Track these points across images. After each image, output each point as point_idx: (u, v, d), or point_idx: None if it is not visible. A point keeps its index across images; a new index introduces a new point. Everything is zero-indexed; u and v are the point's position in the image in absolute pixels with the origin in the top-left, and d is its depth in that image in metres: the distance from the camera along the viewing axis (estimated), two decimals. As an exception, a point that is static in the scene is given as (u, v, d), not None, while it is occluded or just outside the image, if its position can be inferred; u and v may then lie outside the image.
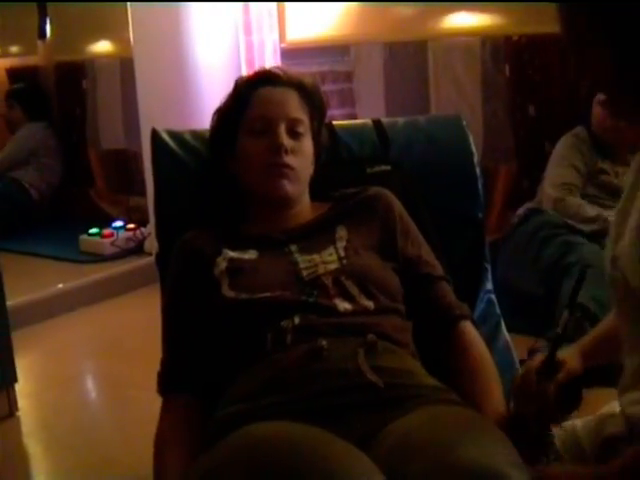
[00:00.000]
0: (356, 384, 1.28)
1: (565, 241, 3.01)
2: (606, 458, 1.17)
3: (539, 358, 1.38)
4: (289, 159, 1.57)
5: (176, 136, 1.84)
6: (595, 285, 2.69)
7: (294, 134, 1.60)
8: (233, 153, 1.64)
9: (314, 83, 1.71)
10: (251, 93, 1.64)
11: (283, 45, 4.19)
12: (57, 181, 5.29)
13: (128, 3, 3.98)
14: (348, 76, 4.17)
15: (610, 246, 1.24)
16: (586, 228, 3.05)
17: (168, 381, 1.50)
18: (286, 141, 1.57)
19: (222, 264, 1.51)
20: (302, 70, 3.73)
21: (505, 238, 3.28)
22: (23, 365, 2.87)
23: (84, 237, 4.52)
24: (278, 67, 1.75)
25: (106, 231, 4.49)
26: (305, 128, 1.63)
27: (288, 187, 1.58)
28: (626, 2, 1.05)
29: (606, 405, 1.43)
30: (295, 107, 1.62)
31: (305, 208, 1.65)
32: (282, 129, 1.58)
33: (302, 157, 1.61)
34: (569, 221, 3.10)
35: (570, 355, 1.41)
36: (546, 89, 3.56)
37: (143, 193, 4.25)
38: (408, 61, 4.01)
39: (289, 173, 1.57)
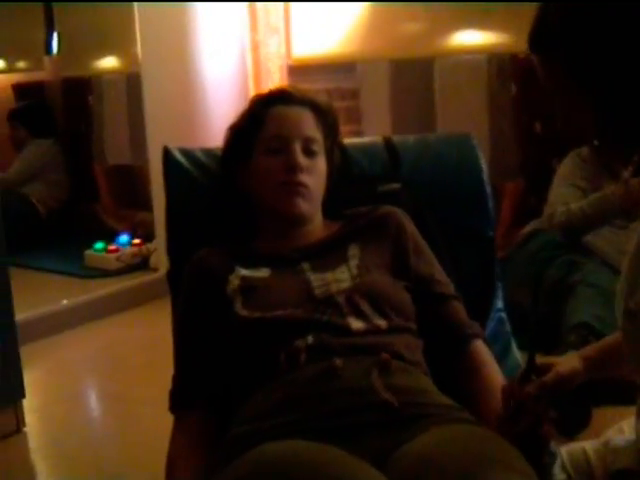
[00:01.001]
0: (370, 403, 1.28)
1: (568, 260, 3.01)
2: None
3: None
4: (304, 177, 1.58)
5: (188, 154, 1.85)
6: (598, 304, 2.71)
7: (309, 153, 1.61)
8: (247, 170, 1.65)
9: (328, 102, 1.72)
10: (266, 111, 1.65)
11: (290, 62, 4.20)
12: (64, 196, 5.30)
13: (136, 18, 3.99)
14: (354, 93, 4.19)
15: (621, 297, 1.16)
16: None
17: (180, 398, 1.50)
18: (301, 160, 1.58)
19: (235, 282, 1.51)
20: (308, 87, 3.75)
21: (509, 257, 3.28)
22: (30, 381, 2.87)
23: (89, 252, 4.53)
24: (292, 86, 1.75)
25: (111, 246, 4.50)
26: (319, 147, 1.63)
27: (302, 205, 1.58)
28: (602, 49, 1.04)
29: (615, 425, 1.41)
30: (310, 126, 1.63)
31: (317, 226, 1.65)
32: (297, 148, 1.59)
33: (316, 176, 1.62)
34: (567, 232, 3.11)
35: (567, 359, 1.37)
36: (552, 106, 3.56)
37: (149, 208, 4.26)
38: (414, 78, 4.02)
39: (304, 191, 1.58)
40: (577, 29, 1.06)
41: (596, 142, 1.16)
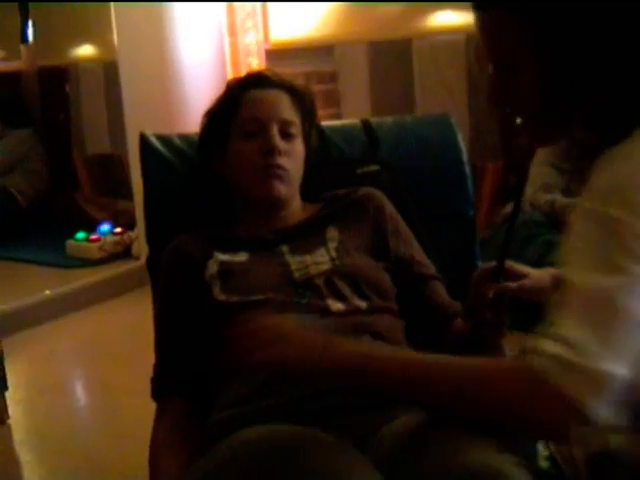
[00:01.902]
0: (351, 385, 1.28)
1: (546, 240, 3.02)
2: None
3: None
4: (282, 160, 1.57)
5: (165, 140, 1.84)
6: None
7: (286, 136, 1.60)
8: (224, 155, 1.64)
9: (305, 85, 1.72)
10: (242, 95, 1.64)
11: (267, 46, 4.18)
12: (44, 186, 5.27)
13: (112, 5, 3.96)
14: (333, 76, 4.17)
15: None
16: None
17: (161, 386, 1.49)
18: (279, 142, 1.57)
19: (213, 267, 1.50)
20: (287, 71, 3.73)
21: (490, 237, 3.28)
22: (13, 372, 2.85)
23: (71, 242, 4.50)
24: (269, 69, 1.74)
25: (93, 235, 4.47)
26: (297, 130, 1.63)
27: (281, 188, 1.58)
28: (557, 11, 1.02)
29: None
30: (287, 109, 1.62)
31: (296, 209, 1.65)
32: (274, 130, 1.58)
33: (294, 159, 1.61)
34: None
35: (539, 272, 1.41)
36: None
37: (130, 197, 4.24)
38: (393, 60, 4.01)
39: (282, 174, 1.57)
40: None
41: (522, 120, 1.14)
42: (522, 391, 0.96)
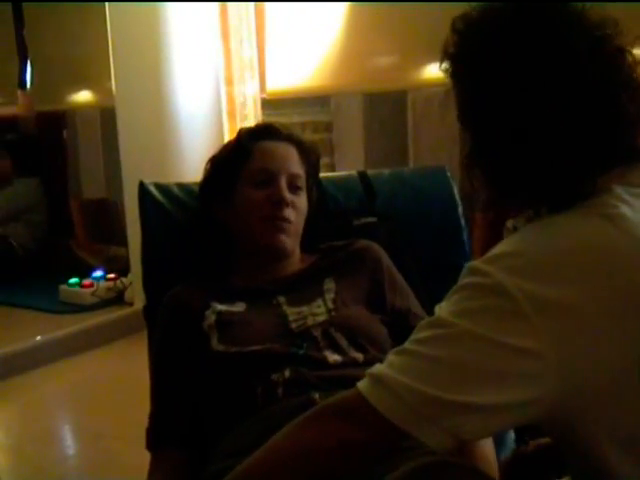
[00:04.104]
0: None
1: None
2: None
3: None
4: (288, 213, 1.59)
5: (163, 189, 1.85)
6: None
7: (293, 188, 1.63)
8: (228, 202, 1.66)
9: (311, 142, 1.76)
10: (253, 145, 1.66)
11: (264, 96, 4.22)
12: (43, 235, 5.24)
13: (110, 52, 4.00)
14: (328, 126, 4.21)
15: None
16: None
17: (157, 436, 1.49)
18: (287, 195, 1.60)
19: (211, 317, 1.51)
20: (283, 120, 3.76)
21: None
22: (3, 418, 2.84)
23: (64, 287, 4.49)
24: (277, 122, 1.77)
25: (86, 281, 4.46)
26: (302, 183, 1.66)
27: (285, 240, 1.60)
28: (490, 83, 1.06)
29: None
30: (295, 162, 1.65)
31: (294, 260, 1.66)
32: (283, 183, 1.61)
33: (299, 211, 1.63)
34: None
35: None
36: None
37: (123, 243, 4.24)
38: (387, 111, 4.05)
39: (288, 227, 1.60)
40: (469, 56, 1.08)
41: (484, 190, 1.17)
42: (343, 417, 1.01)
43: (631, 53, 1.05)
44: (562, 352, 0.92)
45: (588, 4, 1.05)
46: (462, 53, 1.09)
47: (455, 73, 1.11)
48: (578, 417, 0.99)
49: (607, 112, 1.02)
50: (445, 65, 1.12)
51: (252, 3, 4.06)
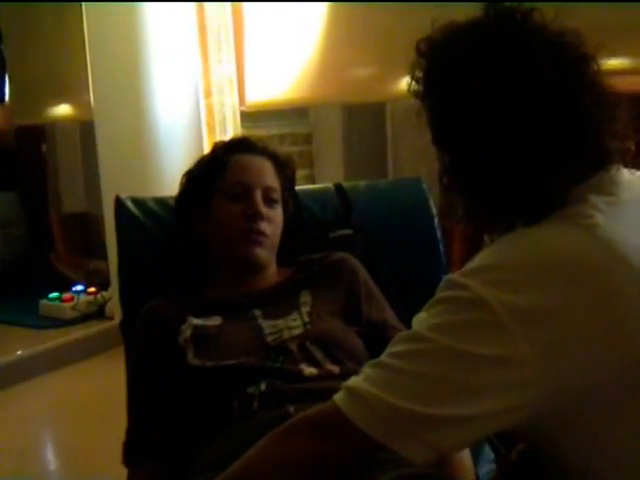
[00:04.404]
0: None
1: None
2: None
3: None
4: (263, 226, 1.60)
5: (139, 203, 1.85)
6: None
7: (269, 201, 1.64)
8: (203, 216, 1.66)
9: (287, 155, 1.77)
10: (228, 158, 1.67)
11: (243, 108, 4.23)
12: (21, 249, 5.18)
13: (89, 65, 4.00)
14: (307, 138, 4.22)
15: None
16: None
17: (134, 451, 1.49)
18: (262, 208, 1.61)
19: (187, 332, 1.51)
20: (262, 132, 3.76)
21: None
22: (-18, 434, 2.81)
23: (44, 302, 4.46)
24: (253, 136, 1.78)
25: (66, 295, 4.44)
26: (278, 196, 1.67)
27: (261, 253, 1.60)
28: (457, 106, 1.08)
29: None
30: (270, 175, 1.67)
31: (270, 273, 1.67)
32: (258, 196, 1.62)
33: (274, 224, 1.64)
34: None
35: None
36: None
37: (104, 257, 4.22)
38: (366, 123, 4.07)
39: (263, 240, 1.60)
40: (437, 78, 1.11)
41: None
42: (318, 429, 1.02)
43: (595, 60, 1.07)
44: (541, 359, 0.93)
45: (549, 13, 1.08)
46: (429, 75, 1.11)
47: (424, 95, 1.12)
48: (559, 427, 1.00)
49: (572, 117, 1.04)
50: (413, 87, 1.13)
51: (230, 11, 4.07)
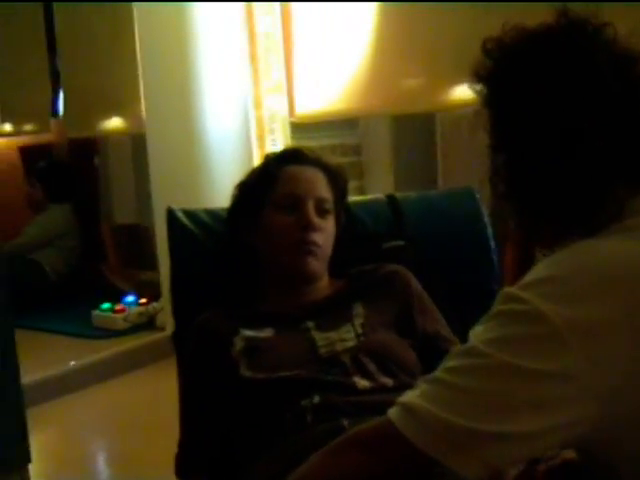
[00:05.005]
0: None
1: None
2: None
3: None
4: (316, 237, 1.60)
5: (191, 215, 1.86)
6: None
7: (321, 212, 1.63)
8: (255, 227, 1.66)
9: (339, 166, 1.76)
10: (280, 169, 1.67)
11: (293, 119, 4.24)
12: (75, 261, 5.23)
13: (140, 79, 4.04)
14: (357, 149, 4.22)
15: None
16: None
17: (186, 463, 1.49)
18: (314, 219, 1.60)
19: (239, 344, 1.51)
20: (312, 143, 3.77)
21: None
22: (37, 444, 2.84)
23: (96, 312, 4.51)
24: (305, 146, 1.78)
25: (118, 306, 4.48)
26: (330, 207, 1.66)
27: (314, 264, 1.60)
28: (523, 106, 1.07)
29: None
30: (323, 187, 1.66)
31: (323, 285, 1.66)
32: (311, 207, 1.61)
33: (327, 235, 1.64)
34: None
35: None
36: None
37: (155, 267, 4.26)
38: (416, 133, 4.05)
39: (315, 250, 1.60)
40: (505, 79, 1.10)
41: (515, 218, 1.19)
42: (372, 445, 1.02)
43: None
44: (599, 373, 0.92)
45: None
46: (497, 77, 1.11)
47: (489, 96, 1.11)
48: (615, 443, 0.98)
49: (632, 130, 1.03)
50: (478, 87, 1.12)
51: (279, 13, 4.08)
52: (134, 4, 3.98)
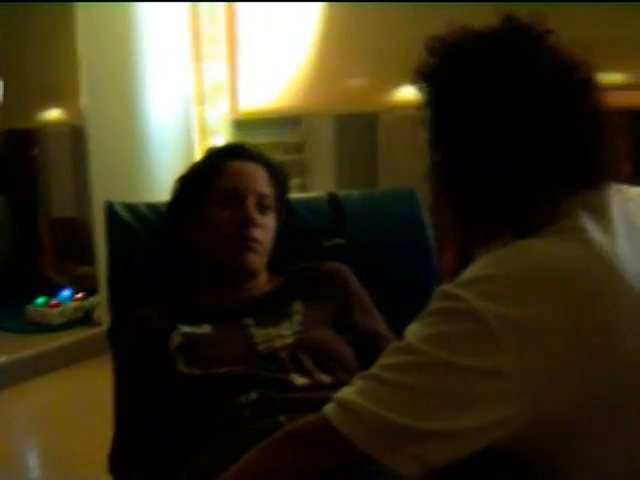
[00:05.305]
0: None
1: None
2: None
3: None
4: (256, 233, 1.59)
5: (130, 208, 1.84)
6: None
7: (261, 208, 1.63)
8: (196, 221, 1.65)
9: (280, 162, 1.76)
10: (222, 164, 1.67)
11: (235, 116, 4.22)
12: (8, 252, 5.15)
13: (81, 70, 3.98)
14: (299, 147, 4.21)
15: None
16: None
17: (120, 460, 1.47)
18: (255, 215, 1.60)
19: (176, 339, 1.50)
20: (254, 141, 3.75)
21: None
22: (-34, 440, 2.78)
23: (30, 307, 4.43)
24: (248, 143, 1.77)
25: (53, 301, 4.41)
26: (271, 203, 1.66)
27: (253, 260, 1.60)
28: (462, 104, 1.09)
29: None
30: (264, 182, 1.66)
31: (262, 281, 1.66)
32: (251, 203, 1.61)
33: (267, 231, 1.64)
34: None
35: None
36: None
37: (92, 262, 4.20)
38: (359, 132, 4.06)
39: (255, 246, 1.60)
40: (447, 75, 1.12)
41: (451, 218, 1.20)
42: (307, 441, 1.02)
43: (597, 85, 1.09)
44: (532, 371, 0.92)
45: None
46: (439, 75, 1.12)
47: (430, 93, 1.12)
48: (548, 443, 0.99)
49: (566, 136, 1.05)
50: (419, 84, 1.13)
51: (223, 13, 4.07)
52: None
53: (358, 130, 4.06)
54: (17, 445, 3.22)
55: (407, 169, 3.83)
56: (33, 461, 3.18)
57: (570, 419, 0.96)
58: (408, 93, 3.94)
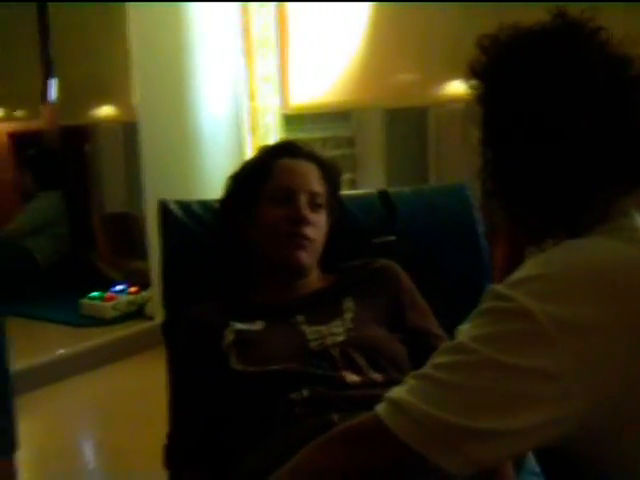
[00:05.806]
0: None
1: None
2: None
3: None
4: (308, 230, 1.60)
5: (184, 206, 1.86)
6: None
7: (313, 206, 1.63)
8: (248, 219, 1.66)
9: (332, 159, 1.76)
10: (274, 162, 1.67)
11: (286, 111, 4.23)
12: (65, 248, 5.23)
13: (133, 67, 4.03)
14: (349, 141, 4.21)
15: None
16: None
17: (175, 455, 1.49)
18: (307, 213, 1.60)
19: (230, 337, 1.51)
20: (304, 136, 3.76)
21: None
22: (25, 432, 2.82)
23: (85, 301, 4.50)
24: (299, 140, 1.78)
25: (107, 294, 4.48)
26: (323, 201, 1.66)
27: (305, 257, 1.60)
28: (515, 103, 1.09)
29: None
30: (316, 180, 1.66)
31: (313, 279, 1.66)
32: (303, 200, 1.61)
33: (319, 229, 1.64)
34: None
35: None
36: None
37: (144, 257, 4.26)
38: (409, 127, 4.05)
39: (307, 244, 1.60)
40: (499, 74, 1.11)
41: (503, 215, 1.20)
42: (360, 440, 1.02)
43: None
44: (584, 372, 0.92)
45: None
46: (491, 73, 1.12)
47: (482, 92, 1.12)
48: (600, 444, 0.98)
49: (619, 135, 1.05)
50: (472, 82, 1.13)
51: (274, 12, 4.09)
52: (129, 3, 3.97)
53: (408, 124, 4.05)
54: (72, 438, 3.28)
55: (456, 162, 3.82)
56: (87, 454, 3.24)
57: (622, 422, 0.95)
58: (457, 87, 3.92)
